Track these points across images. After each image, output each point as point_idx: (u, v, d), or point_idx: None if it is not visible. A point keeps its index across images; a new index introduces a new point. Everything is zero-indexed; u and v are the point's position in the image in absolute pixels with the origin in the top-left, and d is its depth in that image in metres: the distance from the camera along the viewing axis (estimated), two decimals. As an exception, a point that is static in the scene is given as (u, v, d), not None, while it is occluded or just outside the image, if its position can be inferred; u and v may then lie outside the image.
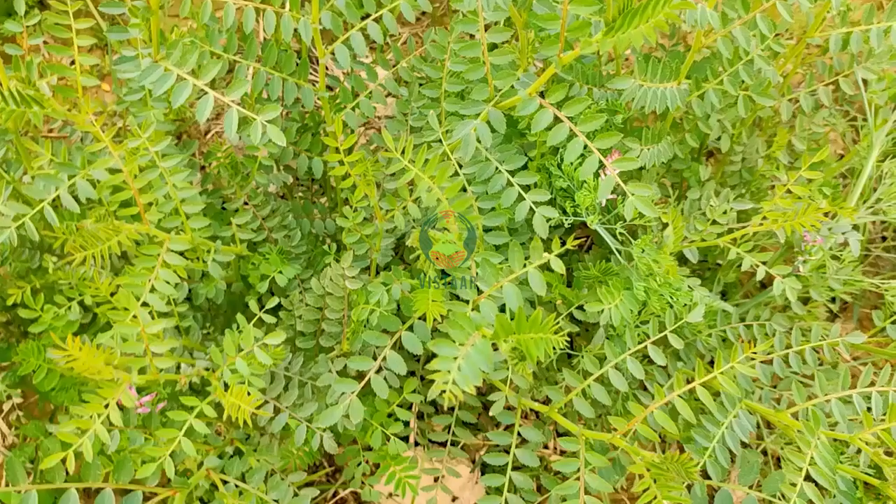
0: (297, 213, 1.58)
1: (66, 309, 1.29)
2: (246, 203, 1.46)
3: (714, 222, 1.37)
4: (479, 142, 1.26)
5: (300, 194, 1.78)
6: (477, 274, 1.20)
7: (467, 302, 1.15)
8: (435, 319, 1.13)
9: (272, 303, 1.27)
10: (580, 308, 1.34)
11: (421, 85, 1.43)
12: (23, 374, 1.34)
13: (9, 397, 1.77)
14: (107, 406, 1.04)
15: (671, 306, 1.25)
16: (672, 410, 1.15)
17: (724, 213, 1.36)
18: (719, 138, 1.63)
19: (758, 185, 1.70)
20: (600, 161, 1.13)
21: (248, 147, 1.46)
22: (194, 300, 1.42)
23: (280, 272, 1.36)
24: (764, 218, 1.27)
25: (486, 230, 1.31)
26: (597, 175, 1.40)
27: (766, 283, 2.00)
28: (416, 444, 1.63)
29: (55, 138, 1.98)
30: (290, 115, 1.57)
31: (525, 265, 1.10)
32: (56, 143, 1.30)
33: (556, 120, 1.16)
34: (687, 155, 1.59)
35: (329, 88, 1.55)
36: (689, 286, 1.29)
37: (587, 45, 1.03)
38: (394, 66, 1.51)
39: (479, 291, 1.16)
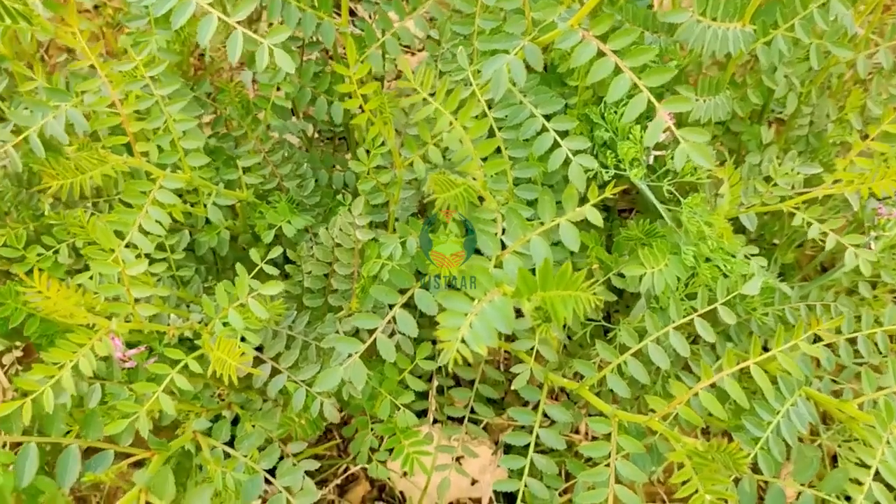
0: (315, 163, 1.46)
1: (54, 251, 1.19)
2: (261, 149, 1.34)
3: (776, 185, 1.20)
4: (512, 83, 1.12)
5: (321, 147, 1.65)
6: (503, 228, 1.06)
7: (490, 258, 1.01)
8: (454, 277, 1.00)
9: (276, 252, 1.15)
10: (619, 275, 1.19)
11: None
12: (12, 323, 1.24)
13: (10, 350, 1.69)
14: (77, 353, 0.92)
15: (724, 276, 1.10)
16: (720, 393, 1.00)
17: (788, 173, 1.19)
18: (784, 102, 1.46)
19: (826, 153, 1.52)
20: (649, 101, 0.98)
21: (262, 86, 1.34)
22: (197, 250, 1.30)
23: (289, 222, 1.24)
24: (836, 181, 1.10)
25: (516, 183, 1.17)
26: (643, 122, 1.25)
27: (827, 266, 1.81)
28: (436, 421, 1.50)
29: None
30: (308, 62, 1.44)
31: (557, 217, 0.96)
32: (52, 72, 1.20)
33: (600, 55, 1.02)
34: (746, 115, 1.42)
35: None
36: (745, 255, 1.13)
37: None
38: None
39: (505, 248, 1.02)
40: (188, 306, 1.26)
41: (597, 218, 0.94)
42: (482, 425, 1.44)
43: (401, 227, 1.11)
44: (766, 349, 1.41)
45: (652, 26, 1.29)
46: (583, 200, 1.11)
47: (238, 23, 1.04)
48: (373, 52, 1.36)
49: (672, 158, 1.15)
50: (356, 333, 1.13)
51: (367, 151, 1.15)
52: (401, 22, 1.36)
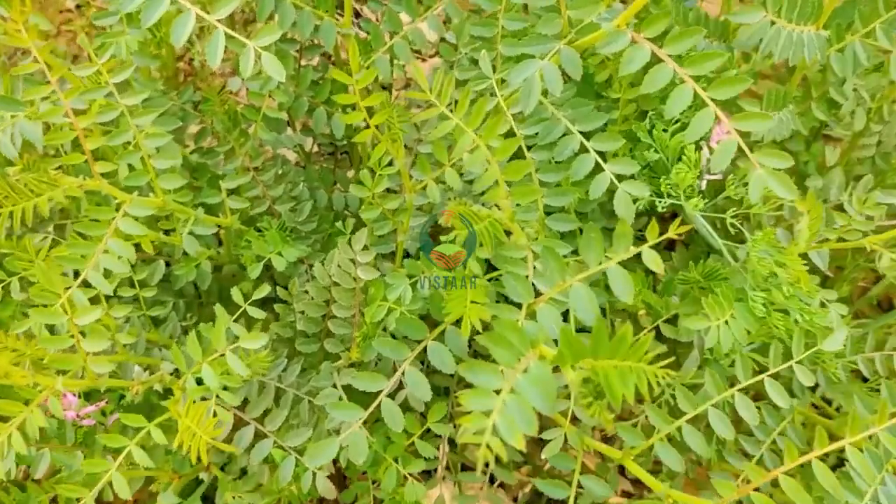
0: (312, 182, 1.28)
1: (3, 285, 1.01)
2: (250, 167, 1.16)
3: (856, 218, 1.02)
4: (544, 95, 0.94)
5: (321, 162, 1.47)
6: (535, 268, 0.88)
7: (520, 307, 0.82)
8: (475, 331, 0.81)
9: (261, 292, 0.97)
10: (669, 321, 1.01)
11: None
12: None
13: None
14: (12, 422, 0.75)
15: (799, 326, 0.91)
16: (804, 475, 0.81)
17: (868, 204, 1.01)
18: (842, 117, 1.27)
19: (894, 176, 1.34)
20: (715, 115, 0.80)
21: (251, 94, 1.16)
22: (174, 284, 1.12)
23: (279, 254, 1.05)
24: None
25: (548, 212, 0.99)
26: (699, 144, 1.07)
27: (883, 303, 1.63)
28: (448, 468, 1.31)
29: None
30: (306, 67, 1.26)
31: (605, 259, 0.77)
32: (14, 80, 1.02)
33: (654, 61, 0.84)
34: (810, 133, 1.24)
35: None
36: (822, 300, 0.95)
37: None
38: None
39: (538, 293, 0.83)
40: (162, 350, 1.08)
41: (657, 263, 0.75)
42: (497, 484, 1.26)
43: (410, 265, 0.93)
44: (826, 400, 1.23)
45: (711, 30, 1.12)
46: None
47: (220, 21, 0.87)
48: (379, 57, 1.18)
49: (732, 185, 0.97)
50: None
51: (372, 172, 0.97)
52: (412, 23, 1.18)
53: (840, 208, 1.14)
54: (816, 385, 1.07)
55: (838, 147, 1.27)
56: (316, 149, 1.49)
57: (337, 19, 1.15)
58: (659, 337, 1.06)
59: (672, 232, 0.75)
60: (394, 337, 0.92)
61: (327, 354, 1.03)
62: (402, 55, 1.18)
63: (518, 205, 0.88)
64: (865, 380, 1.13)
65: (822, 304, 0.96)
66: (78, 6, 1.86)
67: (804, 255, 1.06)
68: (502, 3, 1.06)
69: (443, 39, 1.23)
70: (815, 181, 1.25)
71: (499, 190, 0.84)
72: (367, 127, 0.88)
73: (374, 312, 0.92)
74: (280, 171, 1.18)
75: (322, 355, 1.05)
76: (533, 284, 0.85)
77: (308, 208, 1.14)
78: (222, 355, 0.84)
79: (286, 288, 1.10)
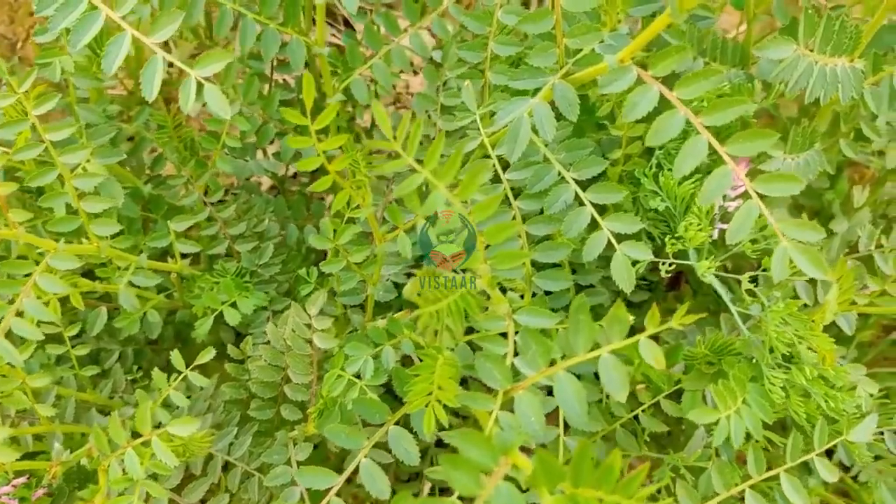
0: (283, 213, 1.15)
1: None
2: (207, 202, 1.03)
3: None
4: (535, 132, 0.81)
5: (297, 189, 1.34)
6: (517, 343, 0.75)
7: (496, 395, 0.70)
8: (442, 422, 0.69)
9: (205, 356, 0.85)
10: (671, 396, 0.88)
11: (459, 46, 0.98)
12: None
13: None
14: None
15: (820, 410, 0.78)
16: None
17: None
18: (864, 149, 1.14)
19: (929, 216, 1.20)
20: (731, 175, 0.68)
21: (209, 122, 1.03)
22: (117, 334, 1.00)
23: (233, 304, 0.93)
24: None
25: (537, 267, 0.87)
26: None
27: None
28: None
29: None
30: (276, 88, 1.14)
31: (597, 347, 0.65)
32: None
33: (664, 105, 0.71)
34: (837, 172, 1.11)
35: (338, 49, 1.12)
36: (852, 381, 0.82)
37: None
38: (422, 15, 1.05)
39: (520, 375, 0.71)
40: (105, 413, 0.96)
41: (657, 357, 0.62)
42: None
43: (374, 332, 0.80)
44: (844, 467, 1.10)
45: (722, 56, 0.99)
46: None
47: (158, 44, 0.74)
48: (355, 80, 1.06)
49: (753, 245, 0.84)
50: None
51: (341, 216, 0.85)
52: (396, 41, 1.05)
53: (870, 259, 1.02)
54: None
55: (867, 187, 1.13)
56: (293, 171, 1.37)
57: (310, 36, 1.03)
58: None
59: (676, 322, 0.62)
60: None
61: (284, 421, 0.91)
62: (381, 78, 1.05)
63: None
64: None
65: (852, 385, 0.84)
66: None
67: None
68: (493, 24, 0.94)
69: (430, 59, 1.11)
70: (841, 224, 1.12)
71: (476, 256, 0.72)
72: (326, 173, 0.75)
73: (332, 384, 0.80)
74: (245, 204, 1.06)
75: (279, 421, 0.93)
76: (514, 365, 0.72)
77: (270, 250, 1.01)
78: (148, 440, 0.72)
79: (249, 335, 0.98)
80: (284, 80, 1.20)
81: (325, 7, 1.01)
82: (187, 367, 0.86)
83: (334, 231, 0.84)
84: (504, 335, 0.75)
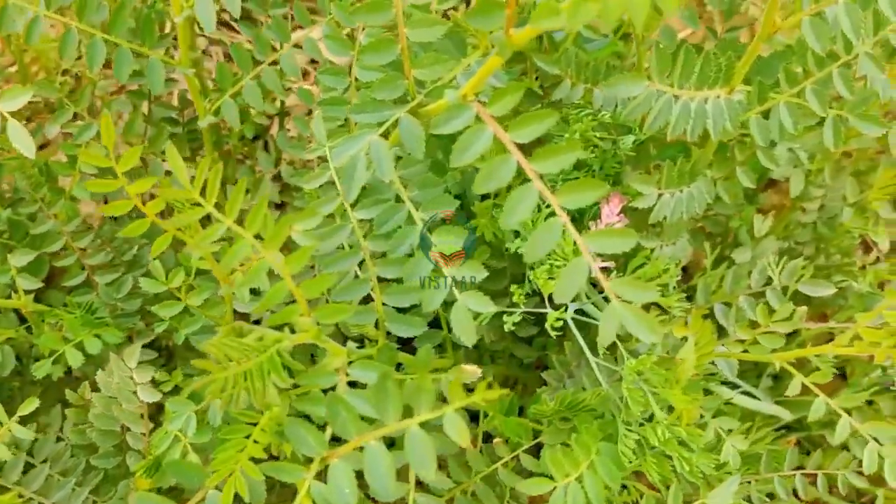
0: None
1: None
2: (64, 231, 0.97)
3: (767, 332, 0.84)
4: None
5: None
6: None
7: (312, 461, 0.65)
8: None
9: (28, 407, 0.79)
10: (531, 451, 0.83)
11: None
12: None
13: None
14: None
15: (676, 473, 0.73)
16: None
17: (787, 318, 0.82)
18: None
19: (839, 244, 1.16)
20: (566, 228, 0.62)
21: (63, 147, 0.97)
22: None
23: (80, 345, 0.87)
24: (855, 338, 0.74)
25: (392, 313, 0.81)
26: (582, 226, 0.89)
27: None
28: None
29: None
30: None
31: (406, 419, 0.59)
32: None
33: (499, 148, 0.65)
34: (735, 197, 1.05)
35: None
36: (717, 430, 0.77)
37: (547, 13, 0.53)
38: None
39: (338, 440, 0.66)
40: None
41: (461, 433, 0.57)
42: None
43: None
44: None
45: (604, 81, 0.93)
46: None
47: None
48: (226, 101, 1.00)
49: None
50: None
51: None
52: (265, 62, 0.99)
53: (762, 295, 0.96)
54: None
55: (769, 216, 1.08)
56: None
57: (172, 56, 0.97)
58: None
59: (479, 397, 0.56)
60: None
61: (129, 471, 0.86)
62: (252, 101, 0.99)
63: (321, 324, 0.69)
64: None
65: (718, 434, 0.79)
66: None
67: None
68: (355, 49, 0.88)
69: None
70: (744, 254, 1.07)
71: (292, 309, 0.66)
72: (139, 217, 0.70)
73: (159, 439, 0.74)
74: (105, 235, 0.99)
75: (126, 470, 0.87)
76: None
77: (129, 283, 0.96)
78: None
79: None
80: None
81: (190, 25, 0.95)
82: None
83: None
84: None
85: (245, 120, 1.16)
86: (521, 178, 0.61)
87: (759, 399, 0.92)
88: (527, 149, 0.62)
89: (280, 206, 1.23)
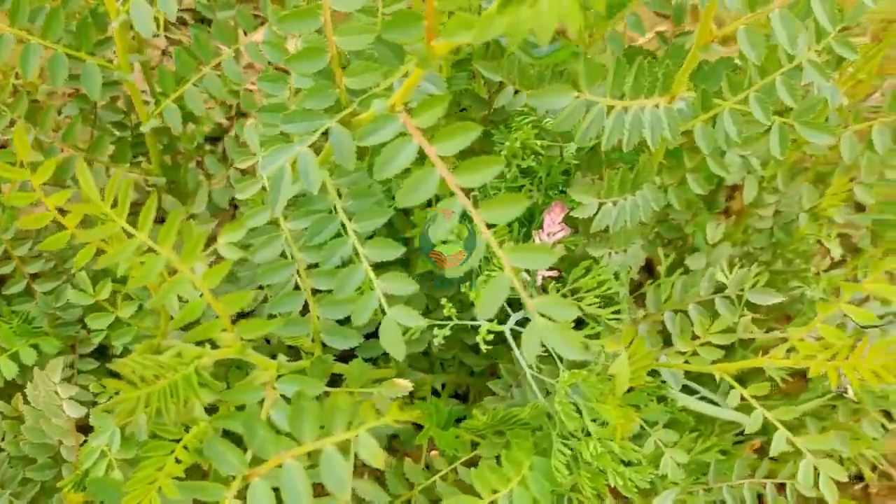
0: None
1: None
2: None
3: (707, 344, 0.83)
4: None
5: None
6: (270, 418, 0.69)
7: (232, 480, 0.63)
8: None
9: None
10: (471, 463, 0.82)
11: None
12: None
13: None
14: None
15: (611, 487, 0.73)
16: None
17: (728, 328, 0.82)
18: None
19: (795, 250, 1.15)
20: (489, 243, 0.61)
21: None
22: None
23: (15, 356, 0.86)
24: (790, 350, 0.73)
25: (327, 325, 0.80)
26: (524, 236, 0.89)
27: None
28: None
29: None
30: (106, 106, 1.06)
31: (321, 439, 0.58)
32: None
33: (423, 161, 0.64)
34: (688, 204, 1.04)
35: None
36: (657, 442, 0.76)
37: (460, 27, 0.52)
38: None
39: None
40: None
41: (375, 455, 0.56)
42: None
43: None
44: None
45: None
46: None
47: None
48: (168, 107, 0.98)
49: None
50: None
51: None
52: (206, 68, 0.98)
53: (712, 304, 0.96)
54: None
55: (722, 222, 1.07)
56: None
57: (111, 61, 0.95)
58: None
59: (391, 419, 0.55)
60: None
61: (64, 484, 0.84)
62: (194, 106, 0.98)
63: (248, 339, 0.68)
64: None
65: (658, 445, 0.78)
66: None
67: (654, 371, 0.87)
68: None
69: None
70: (698, 260, 1.07)
71: (213, 325, 0.65)
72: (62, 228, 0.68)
73: (86, 455, 0.73)
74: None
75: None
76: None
77: (67, 292, 0.94)
78: None
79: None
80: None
81: (127, 29, 0.93)
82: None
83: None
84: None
85: (199, 123, 1.15)
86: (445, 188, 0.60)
87: (718, 405, 0.92)
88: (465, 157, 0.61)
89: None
